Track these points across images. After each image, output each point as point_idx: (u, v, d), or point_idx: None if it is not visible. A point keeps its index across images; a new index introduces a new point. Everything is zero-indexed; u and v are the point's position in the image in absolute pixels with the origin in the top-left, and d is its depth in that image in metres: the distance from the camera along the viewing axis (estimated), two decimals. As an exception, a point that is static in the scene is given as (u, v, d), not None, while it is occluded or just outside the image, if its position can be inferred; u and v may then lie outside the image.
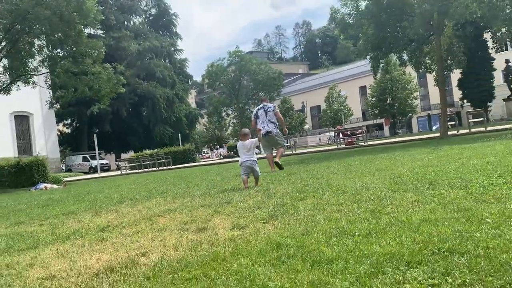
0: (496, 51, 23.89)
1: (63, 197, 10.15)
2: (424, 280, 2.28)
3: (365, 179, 6.01)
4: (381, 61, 21.83)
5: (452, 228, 3.06)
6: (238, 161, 7.57)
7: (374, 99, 57.28)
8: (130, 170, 30.63)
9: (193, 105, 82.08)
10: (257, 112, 10.25)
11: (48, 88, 25.30)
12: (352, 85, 74.36)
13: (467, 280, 2.22)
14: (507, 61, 33.11)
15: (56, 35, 20.95)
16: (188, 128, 60.57)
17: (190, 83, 69.95)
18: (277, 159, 9.89)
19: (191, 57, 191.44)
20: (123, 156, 55.57)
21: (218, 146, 55.89)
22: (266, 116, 10.10)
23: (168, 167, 26.68)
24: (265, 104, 10.30)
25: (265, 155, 10.61)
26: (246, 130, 7.40)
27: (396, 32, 20.21)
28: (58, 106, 33.75)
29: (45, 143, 40.44)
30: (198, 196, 6.59)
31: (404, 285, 2.25)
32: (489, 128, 19.88)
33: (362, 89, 72.75)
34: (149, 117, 56.07)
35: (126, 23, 59.71)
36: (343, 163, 9.23)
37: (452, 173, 5.49)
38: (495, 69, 38.51)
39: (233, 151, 35.81)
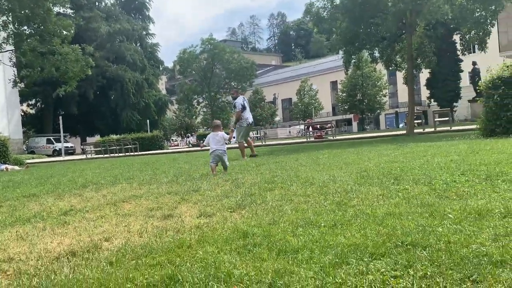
0: (463, 54, 24.47)
1: (24, 179, 9.79)
2: (387, 272, 2.29)
3: (332, 172, 6.00)
4: (353, 56, 21.95)
5: (415, 222, 3.03)
6: (208, 150, 7.63)
7: (344, 94, 57.80)
8: (96, 154, 29.94)
9: (163, 92, 79.65)
10: (244, 103, 11.25)
11: (13, 66, 24.41)
12: (323, 79, 74.45)
13: (428, 273, 2.24)
14: (474, 63, 33.94)
15: (23, 12, 20.19)
16: (157, 115, 59.27)
17: (161, 69, 68.36)
18: (254, 152, 11.02)
19: (163, 42, 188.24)
20: (89, 140, 54.16)
21: (189, 134, 54.68)
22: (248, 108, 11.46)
23: (135, 153, 26.17)
24: (244, 97, 11.52)
25: (236, 145, 11.47)
26: (218, 121, 7.51)
27: (369, 29, 20.38)
28: (22, 85, 32.53)
29: (7, 123, 39.06)
30: (165, 183, 6.45)
31: (367, 276, 2.25)
32: (454, 128, 20.29)
33: (333, 84, 72.87)
34: (117, 101, 54.59)
35: (97, 3, 57.87)
36: (311, 156, 9.21)
37: (417, 169, 5.50)
38: (462, 71, 39.41)
39: (201, 140, 34.38)
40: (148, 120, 47.82)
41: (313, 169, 6.53)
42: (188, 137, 51.98)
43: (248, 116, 11.25)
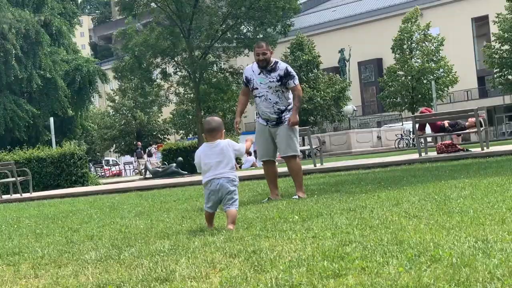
0: None
1: None
2: None
3: (483, 231, 4.79)
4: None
5: None
6: (191, 183, 6.67)
7: (507, 46, 42.69)
8: None
9: (86, 52, 65.03)
10: None
11: None
12: (456, 13, 55.87)
13: None
14: None
15: None
16: (73, 105, 44.82)
17: (79, 2, 54.02)
18: (276, 191, 9.21)
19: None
20: None
21: (148, 149, 43.93)
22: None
23: (26, 195, 21.14)
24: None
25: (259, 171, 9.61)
26: (215, 120, 6.40)
27: None
28: None
29: None
30: (92, 262, 5.30)
31: None
32: None
33: (480, 24, 55.05)
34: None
35: None
36: (432, 194, 7.88)
37: None
38: None
39: (175, 162, 26.41)
40: (51, 119, 32.27)
41: (436, 225, 5.38)
42: (149, 154, 41.71)
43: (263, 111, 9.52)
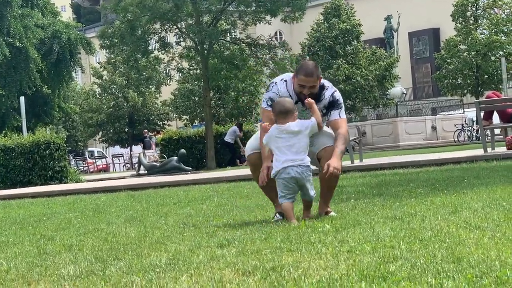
0: None
1: None
2: None
3: None
4: None
5: None
6: (196, 182, 6.72)
7: None
8: None
9: (66, 15, 65.07)
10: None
11: None
12: None
13: None
14: None
15: None
16: (49, 83, 44.14)
17: None
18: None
19: None
20: None
21: (145, 137, 42.94)
22: None
23: None
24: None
25: None
26: (288, 101, 6.79)
27: None
28: None
29: None
30: (70, 278, 5.21)
31: None
32: None
33: None
34: None
35: None
36: (499, 200, 7.94)
37: None
38: None
39: (177, 155, 26.69)
40: (22, 98, 32.51)
41: (504, 239, 5.40)
42: (156, 144, 39.94)
43: None
